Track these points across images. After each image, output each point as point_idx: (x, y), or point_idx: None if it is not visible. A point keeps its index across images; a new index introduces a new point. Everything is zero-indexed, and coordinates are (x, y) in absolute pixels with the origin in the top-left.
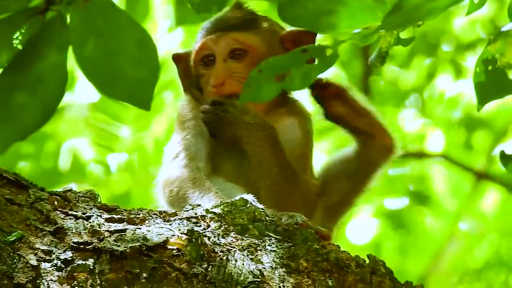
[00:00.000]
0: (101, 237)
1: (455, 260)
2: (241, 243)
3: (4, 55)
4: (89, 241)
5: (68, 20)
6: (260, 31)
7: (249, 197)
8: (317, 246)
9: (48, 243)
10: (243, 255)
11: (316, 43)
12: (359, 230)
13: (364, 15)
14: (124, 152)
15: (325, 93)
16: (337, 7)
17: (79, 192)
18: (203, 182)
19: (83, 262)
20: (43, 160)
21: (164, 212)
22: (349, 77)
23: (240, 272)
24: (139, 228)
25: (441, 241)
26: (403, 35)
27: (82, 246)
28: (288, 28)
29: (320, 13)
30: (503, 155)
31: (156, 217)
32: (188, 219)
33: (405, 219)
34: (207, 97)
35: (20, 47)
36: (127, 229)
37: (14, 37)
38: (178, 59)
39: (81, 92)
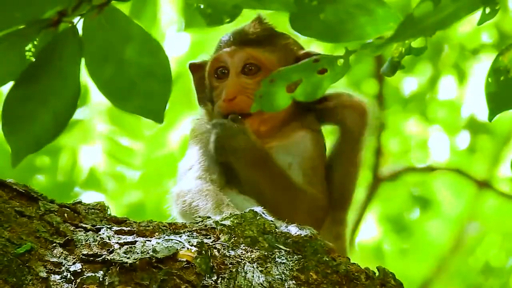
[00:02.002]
0: (110, 249)
1: (458, 264)
2: (251, 255)
3: (17, 67)
4: (98, 253)
5: (81, 31)
6: (276, 48)
7: (259, 209)
8: (327, 258)
9: (58, 255)
10: (253, 267)
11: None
12: (361, 234)
13: (376, 25)
14: (138, 165)
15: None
16: (348, 17)
17: (88, 204)
18: (216, 194)
19: (93, 274)
20: (59, 173)
21: (174, 224)
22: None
23: (250, 285)
24: (149, 240)
25: (444, 245)
26: (415, 44)
27: (91, 258)
28: (307, 49)
29: (331, 23)
30: None
31: (165, 229)
32: (197, 231)
33: (407, 222)
34: (217, 111)
35: (32, 59)
36: (137, 241)
37: (27, 48)
38: (195, 68)
39: (96, 106)
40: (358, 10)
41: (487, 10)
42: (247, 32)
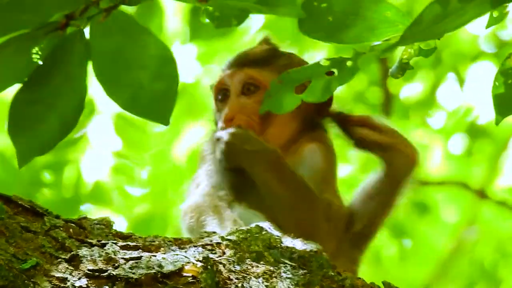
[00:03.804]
0: (116, 265)
1: (457, 268)
2: (256, 270)
3: (24, 69)
4: (104, 268)
5: (88, 35)
6: (275, 67)
7: (265, 224)
8: (332, 273)
9: (63, 271)
10: (259, 282)
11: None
12: None
13: (385, 28)
14: (144, 179)
15: (350, 123)
16: (357, 19)
17: (94, 220)
18: (223, 210)
19: None
20: (64, 188)
21: (180, 239)
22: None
23: None
24: (154, 256)
25: (443, 249)
26: (424, 45)
27: (97, 273)
28: None
29: (340, 25)
30: None
31: (171, 244)
32: (203, 246)
33: (405, 227)
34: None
35: (40, 62)
36: (142, 256)
37: (34, 51)
38: None
39: (101, 120)
40: (368, 12)
41: (495, 14)
42: (248, 53)
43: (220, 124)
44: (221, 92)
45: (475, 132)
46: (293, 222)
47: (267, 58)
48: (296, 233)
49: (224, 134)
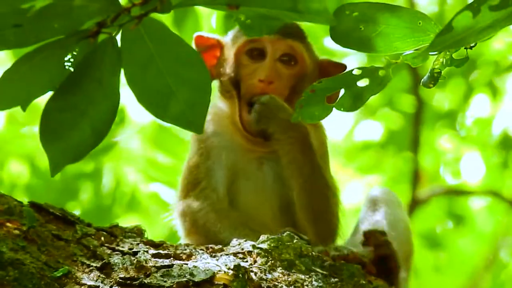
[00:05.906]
0: (147, 273)
1: (492, 280)
2: (288, 278)
3: (56, 77)
4: (135, 276)
5: (120, 42)
6: (307, 45)
7: (295, 232)
8: (364, 282)
9: (95, 279)
10: None
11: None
12: None
13: (416, 37)
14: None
15: None
16: (388, 28)
17: (125, 228)
18: (229, 214)
19: None
20: (101, 196)
21: (211, 247)
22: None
23: None
24: (186, 264)
25: (478, 261)
26: (456, 55)
27: (128, 281)
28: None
29: (372, 34)
30: None
31: (202, 253)
32: (234, 254)
33: (441, 239)
34: (248, 89)
35: (72, 69)
36: (174, 264)
37: (66, 59)
38: (202, 41)
39: (136, 128)
40: (399, 22)
41: None
42: (288, 25)
43: (255, 81)
44: (252, 50)
45: (509, 143)
46: (307, 195)
47: (301, 32)
48: (307, 206)
49: (263, 98)
